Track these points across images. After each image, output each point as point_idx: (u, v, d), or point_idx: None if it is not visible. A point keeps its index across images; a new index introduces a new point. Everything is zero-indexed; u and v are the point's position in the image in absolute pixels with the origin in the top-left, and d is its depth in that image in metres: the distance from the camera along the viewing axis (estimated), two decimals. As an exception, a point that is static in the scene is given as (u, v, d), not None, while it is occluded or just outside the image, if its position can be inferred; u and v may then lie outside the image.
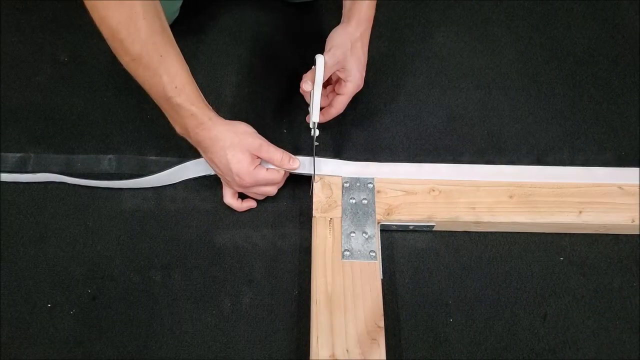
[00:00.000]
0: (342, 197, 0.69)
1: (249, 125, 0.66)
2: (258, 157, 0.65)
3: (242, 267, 0.68)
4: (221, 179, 0.69)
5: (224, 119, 0.64)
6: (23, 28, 0.89)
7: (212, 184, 0.73)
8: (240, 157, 0.63)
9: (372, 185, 0.70)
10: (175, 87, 0.60)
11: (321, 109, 0.69)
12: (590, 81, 0.85)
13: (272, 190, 0.69)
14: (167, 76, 0.59)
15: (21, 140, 0.77)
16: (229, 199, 0.70)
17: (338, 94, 0.71)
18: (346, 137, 0.78)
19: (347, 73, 0.69)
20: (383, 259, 0.67)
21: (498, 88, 0.85)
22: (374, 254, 0.65)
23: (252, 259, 0.69)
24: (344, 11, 0.71)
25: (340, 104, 0.71)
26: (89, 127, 0.79)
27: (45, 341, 0.63)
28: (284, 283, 0.67)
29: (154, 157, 0.76)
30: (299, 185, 0.73)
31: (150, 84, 0.60)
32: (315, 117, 0.66)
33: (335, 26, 0.71)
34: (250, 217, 0.72)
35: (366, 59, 0.71)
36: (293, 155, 0.67)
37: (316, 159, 0.69)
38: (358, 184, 0.70)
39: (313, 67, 0.68)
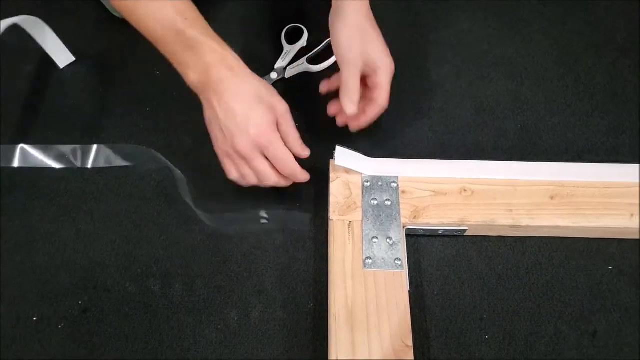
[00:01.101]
0: (363, 197, 0.62)
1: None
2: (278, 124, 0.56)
3: (251, 276, 0.61)
4: (218, 148, 0.57)
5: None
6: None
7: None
8: (264, 113, 0.54)
9: (396, 185, 0.62)
10: (186, 19, 0.52)
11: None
12: (634, 70, 0.77)
13: (272, 177, 0.57)
14: (174, 8, 0.52)
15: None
16: (235, 173, 0.58)
17: (375, 89, 0.62)
18: (364, 131, 0.71)
19: (373, 63, 0.61)
20: (409, 268, 0.60)
21: (531, 78, 0.77)
22: (399, 262, 0.57)
23: (262, 267, 0.62)
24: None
25: (383, 97, 0.62)
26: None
27: (30, 359, 0.56)
28: (297, 294, 0.60)
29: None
30: (313, 185, 0.66)
31: (156, 20, 0.52)
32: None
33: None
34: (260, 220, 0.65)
35: (380, 34, 0.62)
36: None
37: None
38: (380, 183, 0.63)
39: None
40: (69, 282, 0.60)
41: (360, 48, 0.60)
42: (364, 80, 0.63)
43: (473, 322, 0.58)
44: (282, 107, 0.56)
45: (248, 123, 0.53)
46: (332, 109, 0.66)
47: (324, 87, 0.67)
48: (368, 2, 0.62)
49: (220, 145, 0.57)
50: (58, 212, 0.65)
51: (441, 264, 0.62)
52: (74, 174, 0.68)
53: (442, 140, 0.71)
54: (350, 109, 0.60)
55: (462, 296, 0.60)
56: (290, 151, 0.57)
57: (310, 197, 0.66)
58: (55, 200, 0.66)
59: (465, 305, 0.59)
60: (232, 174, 0.58)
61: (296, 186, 0.61)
